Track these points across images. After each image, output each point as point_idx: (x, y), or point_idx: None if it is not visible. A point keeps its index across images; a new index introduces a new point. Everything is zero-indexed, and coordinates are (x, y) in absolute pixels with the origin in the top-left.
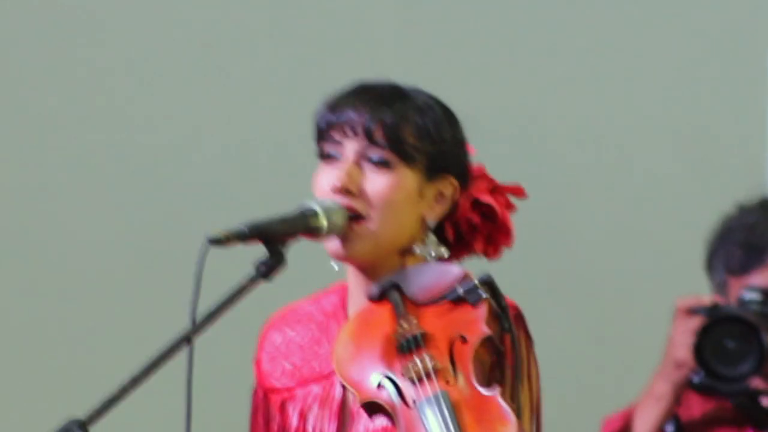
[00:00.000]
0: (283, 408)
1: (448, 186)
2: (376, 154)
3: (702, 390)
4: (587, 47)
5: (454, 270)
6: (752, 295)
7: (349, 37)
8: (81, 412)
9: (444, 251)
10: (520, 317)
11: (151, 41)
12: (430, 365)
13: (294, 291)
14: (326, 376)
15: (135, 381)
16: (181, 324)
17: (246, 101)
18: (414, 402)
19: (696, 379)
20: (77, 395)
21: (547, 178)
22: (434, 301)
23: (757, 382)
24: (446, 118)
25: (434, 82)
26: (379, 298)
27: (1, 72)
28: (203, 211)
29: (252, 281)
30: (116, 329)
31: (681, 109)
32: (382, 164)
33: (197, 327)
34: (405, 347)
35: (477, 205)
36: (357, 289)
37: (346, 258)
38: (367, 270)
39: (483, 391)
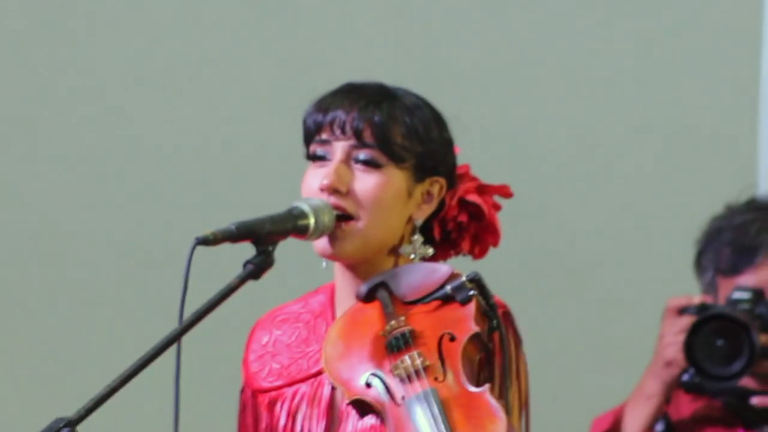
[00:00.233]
0: (271, 407)
1: (436, 186)
2: (365, 153)
3: (692, 389)
4: (575, 47)
5: (442, 268)
6: (742, 295)
7: (338, 37)
8: (69, 412)
9: (430, 251)
10: (508, 315)
11: (143, 42)
12: (419, 363)
13: (282, 291)
14: (314, 375)
15: (123, 380)
16: (169, 323)
17: (235, 102)
18: (403, 399)
19: (686, 378)
20: (65, 394)
21: (537, 177)
22: (423, 299)
23: (746, 381)
24: (434, 119)
25: (423, 83)
26: (368, 297)
27: None
28: (192, 210)
29: (241, 281)
30: (105, 329)
31: (671, 108)
32: (371, 164)
33: (185, 326)
34: (394, 345)
35: (464, 204)
36: (344, 288)
37: (334, 256)
38: (355, 269)
39: (472, 388)
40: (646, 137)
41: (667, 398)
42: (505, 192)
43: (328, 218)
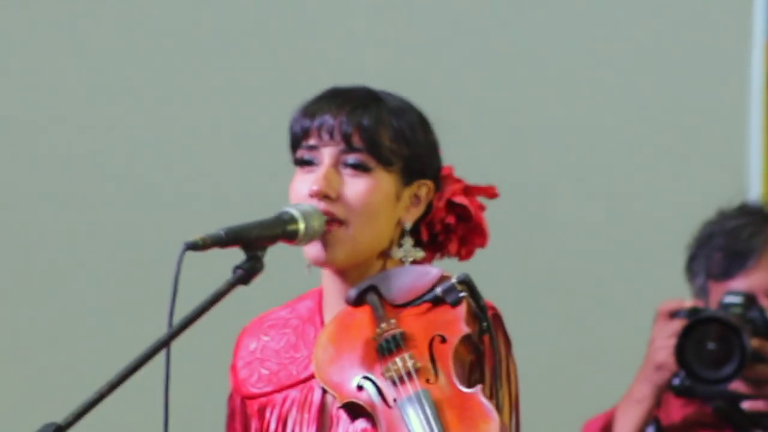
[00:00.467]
0: (261, 413)
1: (424, 188)
2: (354, 157)
3: (682, 393)
4: (567, 48)
5: (432, 271)
6: (734, 299)
7: (331, 40)
8: (58, 417)
9: (421, 254)
10: (497, 317)
11: (136, 46)
12: (410, 365)
13: (269, 296)
14: (304, 381)
15: (113, 386)
16: (159, 329)
17: (226, 107)
18: (395, 401)
19: (676, 382)
20: (54, 400)
21: (528, 180)
22: (413, 302)
23: (737, 386)
24: (419, 121)
25: (416, 84)
26: (358, 301)
27: None
28: (181, 215)
29: (230, 286)
30: (94, 334)
31: (662, 113)
32: (361, 168)
33: (175, 332)
34: (385, 348)
35: (451, 206)
36: (333, 292)
37: (326, 264)
38: (345, 274)
39: (464, 389)
40: (637, 142)
41: (658, 402)
42: (490, 193)
43: (317, 223)
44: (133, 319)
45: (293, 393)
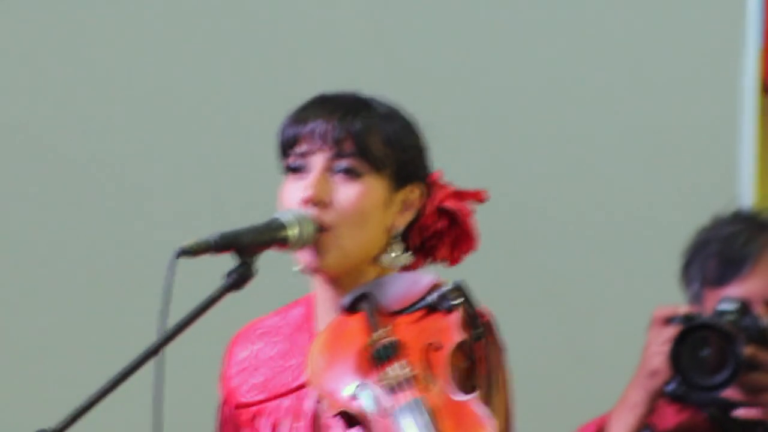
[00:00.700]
0: (253, 422)
1: (415, 193)
2: (345, 163)
3: (676, 399)
4: (559, 54)
5: (425, 278)
6: (728, 306)
7: (319, 46)
8: (49, 424)
9: (411, 259)
10: (491, 324)
11: (124, 49)
12: (405, 372)
13: (261, 303)
14: (297, 389)
15: (105, 391)
16: (151, 334)
17: (216, 113)
18: (390, 409)
19: (670, 389)
20: (46, 406)
21: (520, 185)
22: (407, 309)
23: (731, 393)
24: (409, 126)
25: (401, 90)
26: (351, 308)
27: None
28: (174, 221)
29: (222, 292)
30: (86, 340)
31: (655, 120)
32: (352, 173)
33: (167, 338)
34: (379, 356)
35: (442, 211)
36: (325, 300)
37: (318, 270)
38: (337, 280)
39: (459, 396)
40: (630, 149)
41: (652, 408)
42: (479, 197)
43: (309, 229)
44: (125, 325)
45: (286, 401)
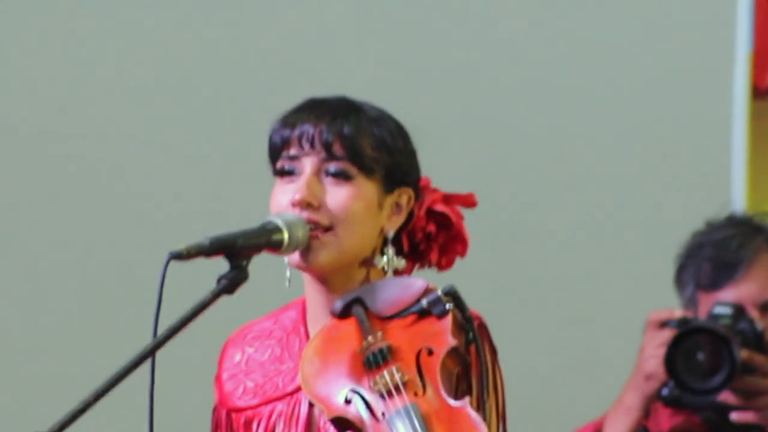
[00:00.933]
0: (247, 426)
1: (405, 196)
2: (335, 166)
3: (671, 403)
4: (550, 59)
5: (417, 283)
6: (723, 310)
7: (311, 48)
8: (43, 427)
9: (402, 263)
10: (483, 328)
11: (117, 53)
12: (397, 378)
13: (254, 306)
14: (291, 393)
15: (97, 395)
16: (143, 338)
17: (208, 115)
18: (383, 415)
19: (665, 392)
20: (38, 409)
21: (512, 189)
22: (399, 314)
23: (726, 397)
24: (398, 130)
25: (392, 95)
26: (343, 313)
27: None
28: (166, 225)
29: (214, 296)
30: (78, 343)
31: (646, 124)
32: (342, 176)
33: (159, 341)
34: (372, 361)
35: (432, 214)
36: (317, 303)
37: (308, 268)
38: (328, 282)
39: (452, 401)
40: (621, 153)
41: (647, 412)
42: (470, 201)
43: (302, 233)
44: (118, 328)
45: (280, 406)
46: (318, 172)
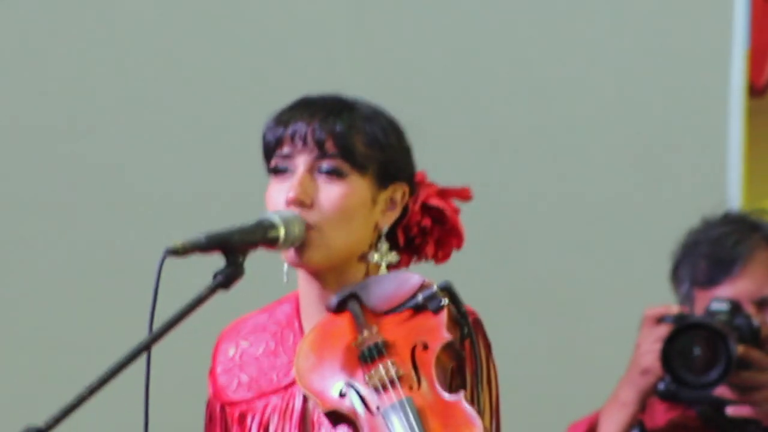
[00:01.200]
0: (242, 420)
1: (399, 192)
2: (328, 164)
3: (667, 398)
4: (546, 54)
5: (413, 278)
6: (719, 306)
7: (305, 46)
8: (39, 421)
9: (396, 258)
10: (478, 323)
11: (113, 49)
12: (393, 372)
13: (249, 300)
14: (285, 387)
15: (93, 389)
16: (139, 333)
17: (203, 113)
18: (378, 409)
19: (661, 387)
20: (35, 403)
21: (508, 187)
22: (394, 309)
23: (722, 392)
24: (391, 126)
25: (387, 89)
26: (338, 308)
27: None
28: (163, 220)
29: (210, 291)
30: (75, 338)
31: (642, 121)
32: (335, 174)
33: (155, 336)
34: (367, 356)
35: (427, 209)
36: (311, 297)
37: (302, 264)
38: (322, 278)
39: (447, 396)
40: (617, 149)
41: (643, 406)
42: (464, 195)
43: (298, 229)
44: (114, 323)
45: (274, 400)
46: (311, 170)
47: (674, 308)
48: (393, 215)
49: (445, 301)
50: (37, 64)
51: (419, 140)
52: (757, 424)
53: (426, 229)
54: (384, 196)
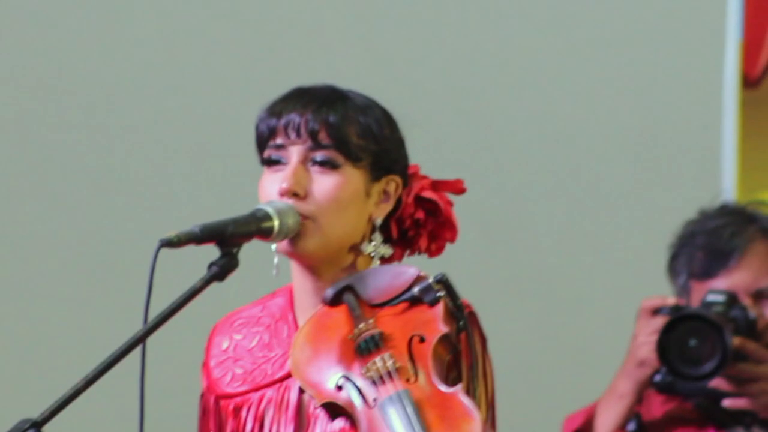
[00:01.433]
0: (237, 413)
1: (392, 184)
2: (321, 154)
3: (664, 389)
4: (541, 46)
5: (409, 271)
6: (716, 298)
7: (303, 41)
8: (35, 413)
9: (389, 250)
10: (473, 315)
11: (107, 43)
12: (389, 364)
13: (242, 293)
14: (280, 380)
15: (89, 381)
16: (134, 325)
17: (201, 105)
18: (375, 401)
19: (658, 379)
20: (30, 396)
21: (504, 179)
22: (390, 302)
23: (719, 383)
24: (385, 118)
25: (383, 80)
26: (334, 300)
27: None
28: (157, 211)
29: (205, 283)
30: (70, 330)
31: (636, 112)
32: (329, 165)
33: (150, 328)
34: (363, 348)
35: (420, 201)
36: (305, 290)
37: (295, 254)
38: (316, 270)
39: (444, 388)
40: (612, 140)
41: (639, 398)
42: (458, 187)
43: (292, 220)
44: (109, 315)
45: (269, 392)
46: (304, 161)
47: (671, 300)
48: (387, 207)
49: (441, 293)
50: (25, 56)
51: (412, 132)
52: (753, 416)
53: (419, 221)
54: (377, 188)
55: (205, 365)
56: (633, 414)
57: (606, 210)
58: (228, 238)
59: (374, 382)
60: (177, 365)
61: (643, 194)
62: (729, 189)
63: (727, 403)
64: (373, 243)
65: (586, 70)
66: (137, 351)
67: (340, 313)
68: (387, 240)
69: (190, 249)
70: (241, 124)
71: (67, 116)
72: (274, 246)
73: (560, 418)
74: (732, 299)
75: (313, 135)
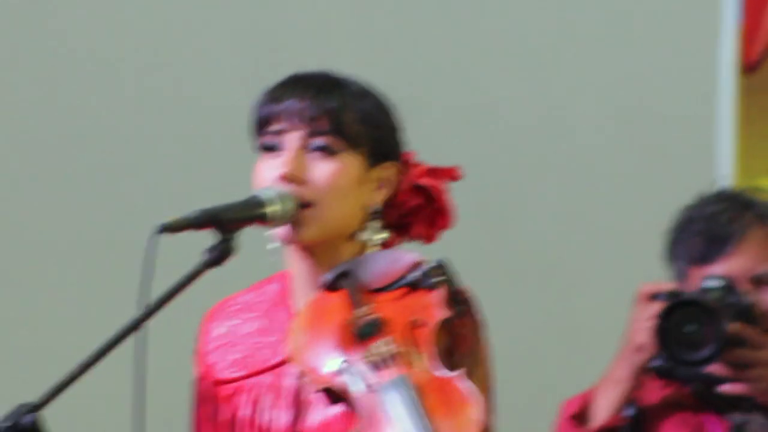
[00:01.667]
0: (233, 399)
1: (390, 171)
2: (320, 141)
3: (661, 374)
4: (535, 35)
5: (407, 256)
6: (713, 284)
7: (304, 31)
8: (32, 397)
9: (385, 235)
10: (471, 301)
11: (104, 31)
12: (389, 349)
13: (237, 279)
14: (277, 365)
15: (86, 366)
16: (132, 310)
17: (200, 94)
18: (375, 386)
19: (655, 364)
20: (28, 380)
21: (501, 166)
22: (389, 287)
23: (716, 369)
24: (382, 105)
25: (380, 69)
26: (333, 285)
27: None
28: (155, 197)
29: (203, 268)
30: (68, 315)
31: (631, 99)
32: (327, 151)
33: (148, 313)
34: (363, 333)
35: (416, 188)
36: (302, 276)
37: (294, 241)
38: (314, 256)
39: (444, 373)
40: (607, 127)
41: (637, 383)
42: (453, 174)
43: (290, 206)
44: (107, 300)
45: (266, 378)
46: (303, 147)
47: (668, 285)
48: (384, 194)
49: (440, 278)
50: (19, 45)
51: (408, 119)
52: (751, 402)
53: (416, 208)
54: (375, 174)
55: (199, 352)
56: (630, 399)
57: (603, 196)
58: (226, 224)
59: (374, 367)
60: (174, 350)
61: (640, 180)
62: (727, 176)
63: (724, 388)
64: (369, 230)
65: (581, 55)
66: (135, 336)
67: (338, 298)
68: (384, 226)
69: (190, 235)
70: (240, 112)
71: (62, 105)
72: (269, 232)
73: (557, 403)
74: (729, 285)
75: (312, 121)
